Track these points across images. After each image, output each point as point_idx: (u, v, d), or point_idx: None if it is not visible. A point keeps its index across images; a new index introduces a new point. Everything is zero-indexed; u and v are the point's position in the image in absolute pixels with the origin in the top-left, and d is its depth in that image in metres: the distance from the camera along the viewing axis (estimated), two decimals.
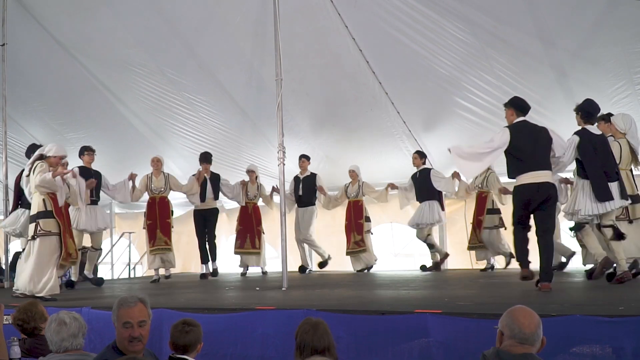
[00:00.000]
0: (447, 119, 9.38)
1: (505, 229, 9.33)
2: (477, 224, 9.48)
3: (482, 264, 9.65)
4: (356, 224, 10.01)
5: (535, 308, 2.88)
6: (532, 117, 8.52)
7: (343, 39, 8.51)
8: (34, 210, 6.93)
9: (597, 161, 6.30)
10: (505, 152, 6.06)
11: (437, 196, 9.68)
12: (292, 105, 9.26)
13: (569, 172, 8.25)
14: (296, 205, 10.17)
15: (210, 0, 8.47)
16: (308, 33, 8.49)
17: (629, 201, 6.59)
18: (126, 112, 10.62)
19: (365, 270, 10.01)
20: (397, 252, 10.19)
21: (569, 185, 8.19)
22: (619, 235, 6.34)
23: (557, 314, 3.99)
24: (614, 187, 6.34)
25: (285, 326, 4.52)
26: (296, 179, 10.21)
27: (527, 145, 5.96)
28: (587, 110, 6.46)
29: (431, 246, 9.83)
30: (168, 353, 3.68)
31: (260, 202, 10.34)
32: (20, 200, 8.17)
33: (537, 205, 5.94)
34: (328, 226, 11.06)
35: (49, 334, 3.54)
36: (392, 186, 10.01)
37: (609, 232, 6.38)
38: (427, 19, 7.92)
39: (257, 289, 7.67)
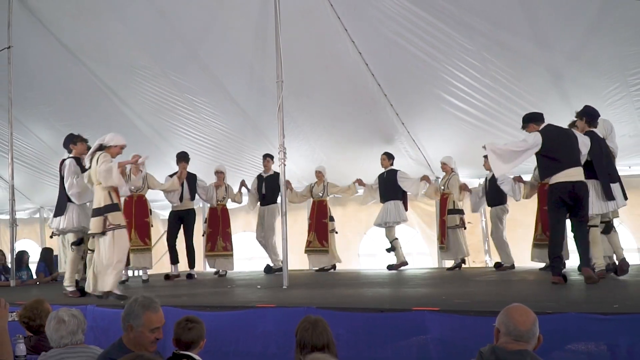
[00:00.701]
0: (444, 121, 9.42)
1: (465, 229, 9.77)
2: (440, 225, 9.76)
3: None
4: (321, 224, 10.11)
5: (531, 306, 2.94)
6: None
7: (343, 42, 8.58)
8: (98, 203, 6.55)
9: (604, 162, 6.66)
10: (538, 154, 6.31)
11: (402, 197, 9.91)
12: (293, 107, 9.33)
13: (527, 173, 8.75)
14: (259, 203, 10.19)
15: (213, 4, 8.54)
16: (308, 36, 8.57)
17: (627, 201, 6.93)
18: (130, 114, 10.71)
19: (331, 270, 10.15)
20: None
21: (521, 184, 8.68)
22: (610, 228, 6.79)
23: (553, 312, 4.03)
24: (616, 187, 6.70)
25: (286, 324, 4.58)
26: (259, 177, 10.22)
27: (559, 146, 6.26)
28: (592, 114, 6.84)
29: (393, 249, 10.03)
30: (172, 349, 3.73)
31: (230, 204, 10.32)
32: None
33: (573, 203, 6.21)
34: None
35: (49, 332, 3.62)
36: (360, 182, 10.18)
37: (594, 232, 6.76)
38: (425, 23, 7.99)
39: (259, 287, 7.73)
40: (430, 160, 10.47)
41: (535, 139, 6.30)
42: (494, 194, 9.19)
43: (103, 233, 6.45)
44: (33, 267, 10.76)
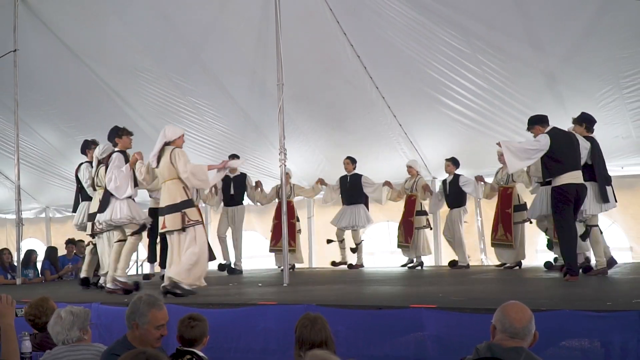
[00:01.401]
0: (440, 122, 9.49)
1: (431, 229, 10.08)
2: (406, 225, 9.94)
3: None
4: (288, 224, 10.09)
5: (526, 303, 2.96)
6: (522, 121, 8.83)
7: (342, 45, 8.67)
8: (173, 199, 6.39)
9: (602, 165, 6.99)
10: (544, 155, 6.53)
11: (364, 200, 10.11)
12: (293, 109, 9.38)
13: (489, 176, 9.19)
14: (222, 203, 10.16)
15: (215, 8, 8.63)
16: (308, 40, 8.66)
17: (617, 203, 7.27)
18: (134, 115, 10.75)
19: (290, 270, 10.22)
20: (393, 249, 10.45)
21: (482, 183, 9.26)
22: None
23: (547, 309, 4.05)
24: (609, 190, 7.03)
25: (286, 321, 4.59)
26: (226, 177, 9.95)
27: (564, 148, 6.49)
28: (591, 120, 7.18)
29: (343, 246, 10.36)
30: (175, 346, 3.80)
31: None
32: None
33: (576, 203, 6.47)
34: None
35: (49, 328, 3.73)
36: (322, 182, 10.34)
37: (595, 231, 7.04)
38: (422, 27, 8.08)
39: (260, 284, 7.78)
40: (426, 161, 10.57)
41: (545, 140, 6.52)
42: (454, 197, 9.53)
43: (183, 229, 6.33)
44: (39, 266, 10.88)
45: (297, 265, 10.60)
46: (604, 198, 6.91)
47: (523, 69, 8.34)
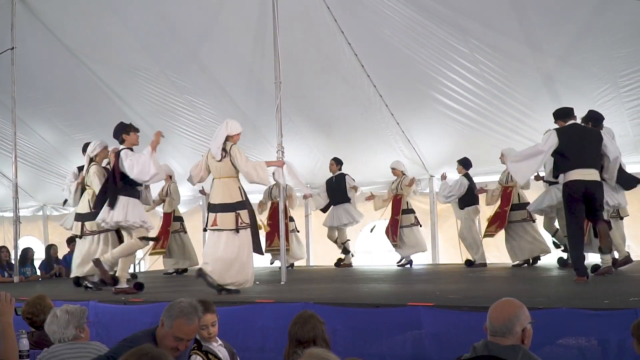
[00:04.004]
0: (438, 121, 9.52)
1: (421, 226, 10.21)
2: (393, 224, 10.13)
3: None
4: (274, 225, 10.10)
5: (523, 301, 2.95)
6: (520, 120, 8.89)
7: (339, 44, 8.69)
8: (230, 198, 6.22)
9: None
10: (554, 152, 6.40)
11: (350, 199, 10.30)
12: (291, 107, 9.40)
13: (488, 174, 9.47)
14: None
15: (212, 7, 8.64)
16: (306, 38, 8.67)
17: None
18: (131, 114, 10.67)
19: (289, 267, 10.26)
20: (391, 248, 10.48)
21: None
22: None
23: (544, 307, 4.05)
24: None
25: (284, 319, 4.42)
26: None
27: (575, 145, 6.28)
28: (598, 118, 7.13)
29: (347, 251, 10.51)
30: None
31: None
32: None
33: (585, 201, 6.28)
34: None
35: (46, 327, 3.72)
36: (306, 196, 10.49)
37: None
38: (419, 26, 8.10)
39: (257, 283, 7.73)
40: (424, 159, 10.59)
41: (549, 140, 6.35)
42: (464, 197, 9.61)
43: (237, 230, 6.17)
44: (37, 264, 10.89)
45: (297, 263, 10.66)
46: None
47: (520, 68, 8.37)
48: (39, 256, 11.17)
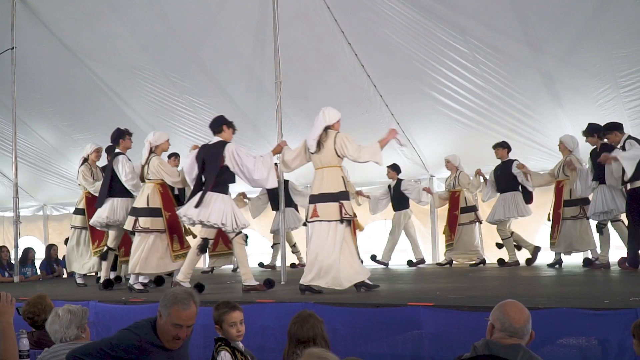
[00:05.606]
0: (438, 121, 9.53)
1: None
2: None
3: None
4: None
5: (523, 301, 2.97)
6: (520, 120, 8.89)
7: (339, 43, 8.69)
8: (330, 188, 5.96)
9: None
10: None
11: (292, 204, 10.28)
12: (291, 107, 9.41)
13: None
14: None
15: (212, 7, 8.65)
16: (306, 38, 8.68)
17: None
18: (131, 114, 10.79)
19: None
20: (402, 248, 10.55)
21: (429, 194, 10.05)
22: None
23: (545, 307, 4.06)
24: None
25: (284, 319, 4.44)
26: None
27: None
28: (598, 128, 7.61)
29: (294, 250, 10.69)
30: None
31: None
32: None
33: None
34: None
35: (47, 327, 3.71)
36: (244, 196, 10.46)
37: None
38: (420, 26, 8.11)
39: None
40: (424, 159, 10.60)
41: None
42: (398, 200, 9.98)
43: (341, 221, 5.85)
44: (37, 263, 10.90)
45: (297, 262, 10.64)
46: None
47: (521, 69, 8.38)
48: (39, 256, 11.17)
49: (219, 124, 6.74)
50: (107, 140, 8.21)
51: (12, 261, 10.09)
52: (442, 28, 8.08)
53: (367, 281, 5.95)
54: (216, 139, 6.65)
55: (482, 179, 9.57)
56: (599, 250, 8.09)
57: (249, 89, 9.88)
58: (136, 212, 7.18)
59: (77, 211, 8.68)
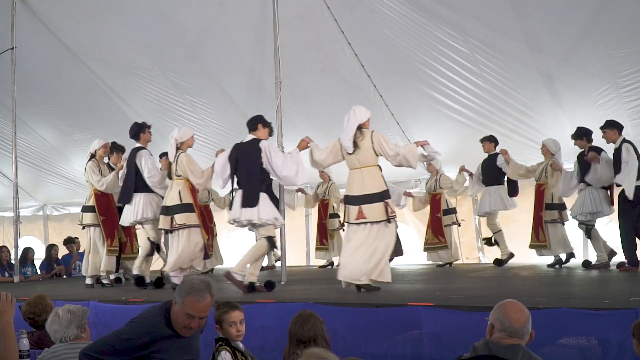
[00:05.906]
0: (438, 121, 9.54)
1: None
2: (321, 227, 10.61)
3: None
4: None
5: (523, 301, 2.97)
6: (520, 120, 8.90)
7: (339, 44, 8.70)
8: (374, 188, 5.93)
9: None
10: None
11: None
12: (291, 107, 9.41)
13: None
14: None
15: (212, 7, 8.65)
16: (306, 38, 8.69)
17: None
18: (131, 114, 10.70)
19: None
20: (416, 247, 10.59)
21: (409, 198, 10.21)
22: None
23: (545, 307, 4.06)
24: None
25: (284, 318, 4.48)
26: None
27: None
28: (587, 132, 7.82)
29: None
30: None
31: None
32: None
33: None
34: None
35: (47, 326, 3.71)
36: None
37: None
38: (420, 26, 8.12)
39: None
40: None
41: None
42: None
43: (388, 221, 5.87)
44: (37, 263, 10.90)
45: (296, 263, 10.67)
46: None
47: (521, 69, 8.39)
48: (40, 256, 11.16)
49: (255, 122, 6.66)
50: (108, 140, 8.23)
51: (12, 261, 10.07)
52: (442, 28, 8.10)
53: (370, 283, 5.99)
54: (250, 137, 6.58)
55: (466, 175, 9.55)
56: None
57: (249, 89, 9.88)
58: (169, 211, 6.99)
59: (86, 208, 8.26)
